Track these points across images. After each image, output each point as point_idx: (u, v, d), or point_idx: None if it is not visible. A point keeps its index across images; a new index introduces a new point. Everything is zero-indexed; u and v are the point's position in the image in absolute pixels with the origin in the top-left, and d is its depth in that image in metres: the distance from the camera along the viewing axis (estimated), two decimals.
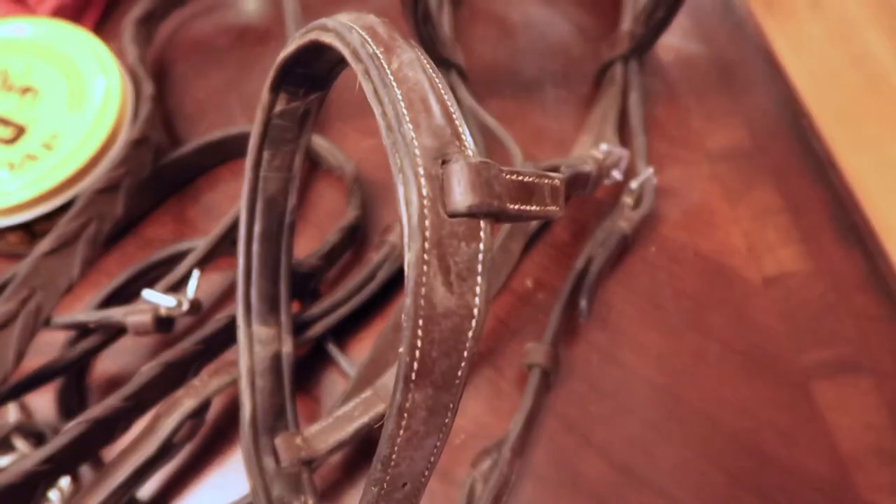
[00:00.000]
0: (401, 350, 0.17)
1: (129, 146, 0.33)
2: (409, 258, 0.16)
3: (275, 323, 0.29)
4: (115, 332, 0.30)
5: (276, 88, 0.27)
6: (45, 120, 0.34)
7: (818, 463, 0.31)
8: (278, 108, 0.28)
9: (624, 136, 0.38)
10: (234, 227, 0.33)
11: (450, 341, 0.17)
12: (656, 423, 0.32)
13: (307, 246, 0.35)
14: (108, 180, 0.31)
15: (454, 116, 0.18)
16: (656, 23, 0.36)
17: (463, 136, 0.18)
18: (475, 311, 0.17)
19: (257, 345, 0.28)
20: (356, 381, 0.30)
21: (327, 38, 0.22)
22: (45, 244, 0.28)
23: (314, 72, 0.27)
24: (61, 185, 0.32)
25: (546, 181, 0.19)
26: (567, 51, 0.44)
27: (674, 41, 0.44)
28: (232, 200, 0.38)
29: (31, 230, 0.33)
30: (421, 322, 0.16)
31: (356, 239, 0.35)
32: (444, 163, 0.17)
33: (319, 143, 0.37)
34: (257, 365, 0.28)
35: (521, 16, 0.45)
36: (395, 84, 0.18)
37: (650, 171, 0.36)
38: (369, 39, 0.20)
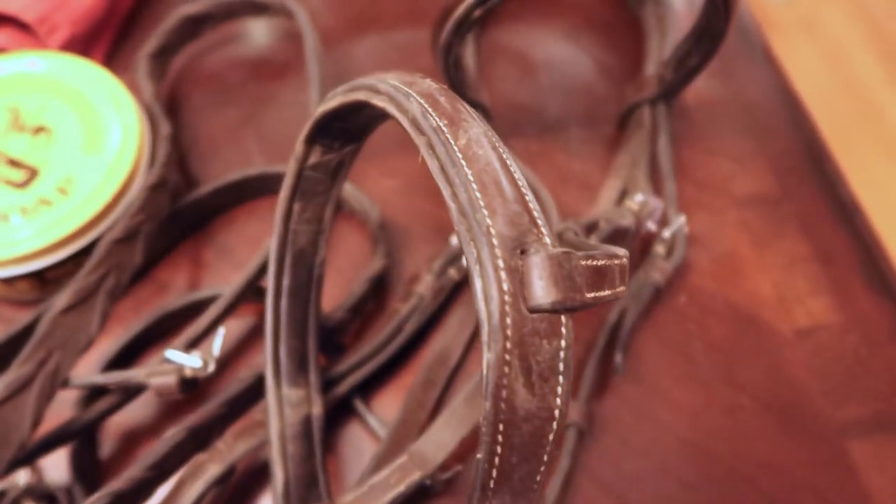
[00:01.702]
0: (478, 456, 0.16)
1: (148, 191, 0.32)
2: (489, 359, 0.15)
3: (304, 383, 0.28)
4: (133, 391, 0.28)
5: (310, 141, 0.26)
6: (59, 162, 0.32)
7: None
8: (312, 160, 0.27)
9: (653, 181, 0.38)
10: (256, 276, 0.31)
11: (530, 446, 0.16)
12: (692, 483, 0.31)
13: (329, 293, 0.34)
14: (126, 229, 0.30)
15: (528, 199, 0.17)
16: (688, 70, 0.35)
17: (539, 223, 0.17)
18: (556, 412, 0.16)
19: (287, 407, 0.27)
20: (388, 443, 0.29)
21: (379, 102, 0.21)
22: (62, 300, 0.27)
23: (352, 125, 0.26)
24: (76, 233, 0.31)
25: (616, 262, 0.18)
26: (590, 91, 0.43)
27: (696, 81, 0.44)
28: (249, 243, 0.37)
29: (43, 277, 0.32)
30: (501, 427, 0.15)
31: (382, 288, 0.34)
32: (522, 252, 0.16)
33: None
34: (287, 430, 0.27)
35: (543, 54, 0.44)
36: (464, 163, 0.17)
37: (682, 219, 0.35)
38: (431, 110, 0.19)
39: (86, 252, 0.32)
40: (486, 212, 0.16)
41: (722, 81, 0.44)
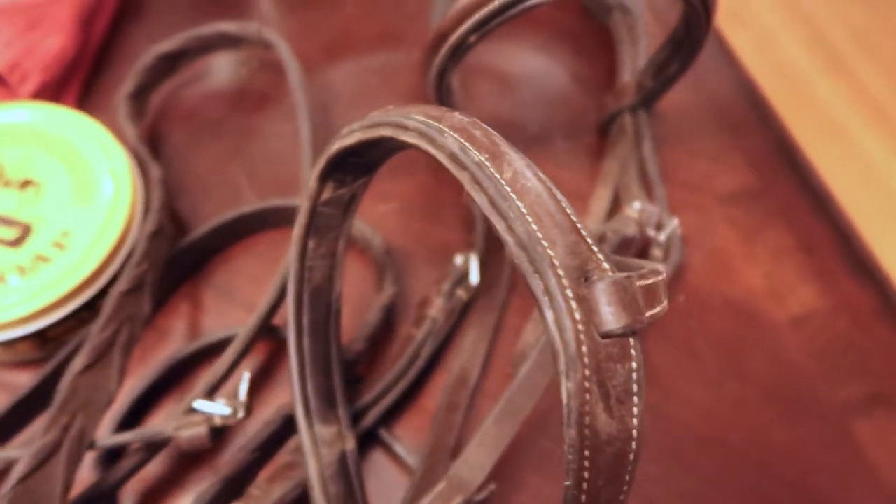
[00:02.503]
0: (567, 483, 0.16)
1: (149, 239, 0.31)
2: (569, 387, 0.16)
3: (335, 419, 0.28)
4: (159, 445, 0.28)
5: (324, 177, 0.26)
6: (52, 216, 0.31)
7: (872, 502, 0.32)
8: (325, 196, 0.27)
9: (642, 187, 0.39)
10: (269, 315, 0.31)
11: (614, 468, 0.16)
12: (713, 477, 0.32)
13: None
14: (132, 279, 0.29)
15: (580, 227, 0.17)
16: (668, 77, 0.37)
17: (594, 249, 0.17)
18: (634, 432, 0.16)
19: (322, 447, 0.27)
20: (422, 471, 0.29)
21: (410, 139, 0.21)
22: (79, 362, 0.26)
23: (367, 160, 0.26)
24: (78, 288, 0.30)
25: (660, 278, 0.19)
26: (568, 101, 0.44)
27: None
28: (249, 281, 0.36)
29: (44, 336, 0.31)
30: (587, 453, 0.16)
31: (391, 314, 0.34)
32: (586, 280, 0.16)
33: None
34: (326, 469, 0.26)
35: (519, 69, 0.45)
36: (514, 196, 0.18)
37: (675, 221, 0.36)
38: (469, 145, 0.19)
39: (87, 306, 0.31)
40: (545, 243, 0.17)
41: (690, 82, 0.46)
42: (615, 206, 0.38)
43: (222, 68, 0.43)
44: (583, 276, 0.16)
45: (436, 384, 0.34)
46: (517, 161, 0.18)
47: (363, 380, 0.32)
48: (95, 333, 0.27)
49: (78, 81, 0.41)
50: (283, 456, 0.28)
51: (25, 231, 0.31)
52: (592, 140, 0.42)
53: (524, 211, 0.17)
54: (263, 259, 0.37)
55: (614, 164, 0.39)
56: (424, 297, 0.34)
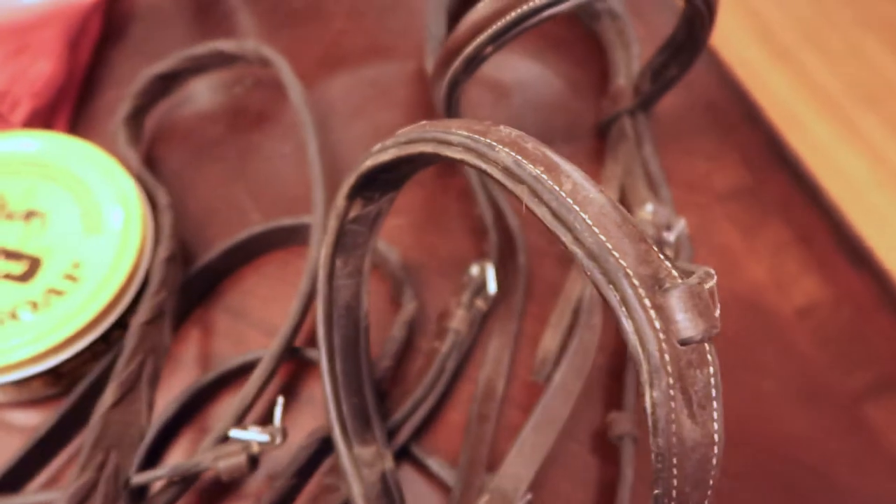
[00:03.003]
0: (657, 492, 0.16)
1: (165, 265, 0.30)
2: (656, 397, 0.16)
3: (372, 439, 0.28)
4: (193, 477, 0.27)
5: (353, 195, 0.26)
6: (61, 247, 0.30)
7: (892, 486, 0.33)
8: (352, 213, 0.27)
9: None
10: (293, 336, 0.31)
11: (699, 473, 0.16)
12: (739, 472, 0.33)
13: None
14: (153, 309, 0.28)
15: (646, 236, 0.18)
16: (667, 80, 0.37)
17: (662, 257, 0.17)
18: (715, 437, 0.16)
19: (364, 468, 0.26)
20: (462, 486, 0.29)
21: (456, 154, 0.21)
22: (108, 398, 0.25)
23: (398, 175, 0.26)
24: (95, 320, 0.29)
25: (715, 280, 0.19)
26: (565, 107, 0.45)
27: None
28: (263, 302, 0.35)
29: (57, 371, 0.30)
30: (675, 460, 0.16)
31: (414, 330, 0.34)
32: (659, 288, 0.17)
33: None
34: (369, 491, 0.26)
35: (513, 75, 0.45)
36: (578, 208, 0.18)
37: (682, 221, 0.37)
38: (522, 158, 0.19)
39: (102, 339, 0.30)
40: (616, 254, 0.17)
41: (682, 84, 0.47)
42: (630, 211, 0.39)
43: (216, 88, 0.42)
44: (656, 285, 0.16)
45: (459, 396, 0.34)
46: (574, 173, 0.19)
47: (388, 396, 0.32)
48: (121, 368, 0.26)
49: (68, 107, 0.39)
50: (319, 479, 0.28)
51: (34, 264, 0.30)
52: (592, 144, 0.43)
53: (590, 222, 0.17)
54: (275, 279, 0.36)
55: (616, 167, 0.40)
56: (444, 309, 0.34)
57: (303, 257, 0.37)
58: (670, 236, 0.37)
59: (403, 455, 0.31)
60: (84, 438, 0.25)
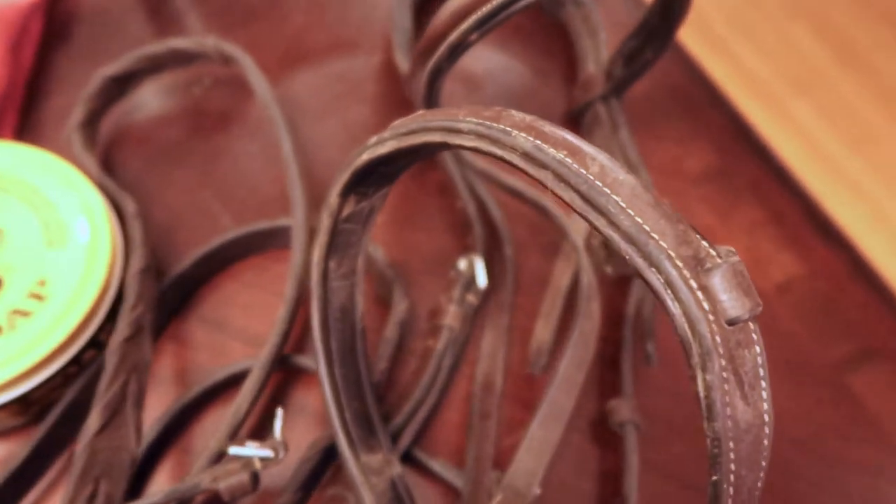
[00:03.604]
0: (714, 478, 0.16)
1: (138, 277, 0.28)
2: (709, 380, 0.15)
3: (377, 445, 0.27)
4: (188, 501, 0.25)
5: (347, 192, 0.25)
6: (22, 264, 0.28)
7: (878, 454, 0.34)
8: (346, 211, 0.26)
9: None
10: (282, 343, 0.29)
11: (752, 455, 0.16)
12: None
13: None
14: (131, 324, 0.27)
15: (681, 216, 0.17)
16: (642, 64, 0.37)
17: (699, 237, 0.17)
18: (765, 416, 0.16)
19: (372, 476, 0.25)
20: (470, 487, 0.28)
21: (467, 142, 0.20)
22: (93, 423, 0.23)
23: (394, 169, 0.25)
24: (66, 342, 0.27)
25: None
26: (535, 95, 0.44)
27: None
28: (243, 311, 0.34)
29: (26, 399, 0.27)
30: (731, 444, 0.15)
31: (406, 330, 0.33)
32: (701, 268, 0.16)
33: None
34: (380, 500, 0.25)
35: (481, 68, 0.45)
36: (609, 191, 0.17)
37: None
38: (542, 142, 0.19)
39: (74, 361, 0.28)
40: (656, 236, 0.16)
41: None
42: None
43: (173, 90, 0.40)
44: (698, 265, 0.16)
45: (454, 395, 0.33)
46: (599, 155, 0.18)
47: (384, 400, 0.31)
48: (104, 390, 0.24)
49: (13, 113, 0.37)
50: (327, 490, 0.26)
51: None
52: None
53: (623, 205, 0.17)
54: (253, 286, 0.35)
55: None
56: (434, 306, 0.33)
57: (281, 262, 0.35)
58: None
59: (405, 459, 0.30)
60: (72, 469, 0.23)
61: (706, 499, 0.31)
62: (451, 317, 0.32)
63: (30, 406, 0.28)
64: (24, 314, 0.27)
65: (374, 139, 0.23)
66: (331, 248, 0.26)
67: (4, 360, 0.26)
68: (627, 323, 0.34)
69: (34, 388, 0.27)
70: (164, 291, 0.31)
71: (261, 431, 0.31)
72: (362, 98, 0.42)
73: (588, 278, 0.32)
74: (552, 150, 0.18)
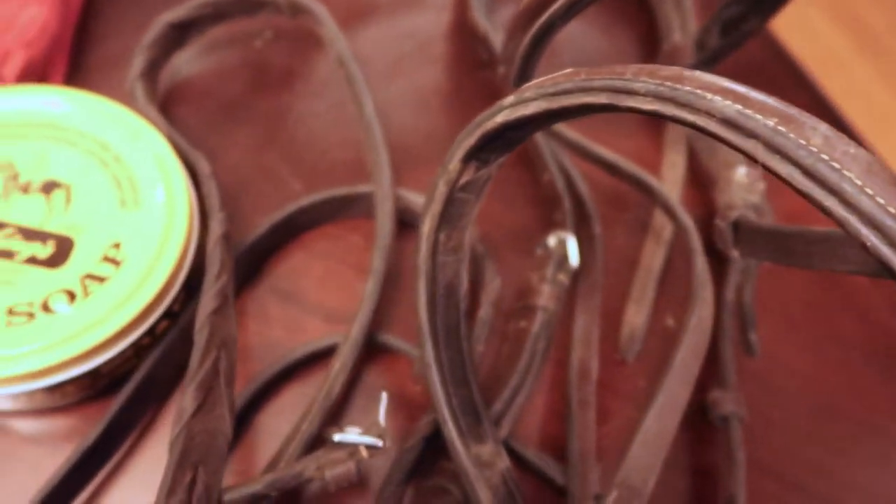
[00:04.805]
0: None
1: (222, 244, 0.26)
2: None
3: (485, 435, 0.24)
4: (290, 490, 0.23)
5: (469, 158, 0.22)
6: (94, 225, 0.25)
7: None
8: (464, 179, 0.23)
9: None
10: (371, 324, 0.27)
11: None
12: (838, 447, 0.31)
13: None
14: (217, 296, 0.24)
15: None
16: (742, 34, 0.35)
17: None
18: None
19: (486, 469, 0.23)
20: (577, 482, 0.26)
21: (644, 105, 0.18)
22: (188, 404, 0.21)
23: (523, 134, 0.22)
24: (145, 311, 0.24)
25: None
26: (612, 64, 0.41)
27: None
28: (319, 283, 0.31)
29: (97, 373, 0.25)
30: None
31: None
32: None
33: (417, 200, 0.32)
34: (496, 496, 0.23)
35: (561, 33, 0.42)
36: (839, 166, 0.15)
37: (763, 183, 0.35)
38: (745, 108, 0.16)
39: (148, 332, 0.25)
40: None
41: None
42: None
43: (232, 42, 0.37)
44: None
45: (542, 378, 0.31)
46: (820, 125, 0.15)
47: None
48: (195, 368, 0.22)
49: (63, 57, 0.34)
50: (430, 481, 0.24)
51: (64, 246, 0.25)
52: None
53: (859, 182, 0.14)
54: (326, 257, 0.32)
55: (679, 128, 0.37)
56: (524, 285, 0.31)
57: (355, 231, 0.33)
58: (754, 197, 0.34)
59: None
60: (169, 455, 0.20)
61: (814, 501, 0.29)
62: (546, 297, 0.30)
63: (99, 379, 0.26)
64: (99, 280, 0.24)
65: (510, 98, 0.21)
66: (442, 219, 0.24)
67: (78, 331, 0.24)
68: (727, 309, 0.32)
69: (107, 361, 0.25)
70: (236, 261, 0.29)
71: (336, 416, 0.29)
72: (432, 58, 0.39)
73: (701, 262, 0.29)
74: (760, 117, 0.16)
